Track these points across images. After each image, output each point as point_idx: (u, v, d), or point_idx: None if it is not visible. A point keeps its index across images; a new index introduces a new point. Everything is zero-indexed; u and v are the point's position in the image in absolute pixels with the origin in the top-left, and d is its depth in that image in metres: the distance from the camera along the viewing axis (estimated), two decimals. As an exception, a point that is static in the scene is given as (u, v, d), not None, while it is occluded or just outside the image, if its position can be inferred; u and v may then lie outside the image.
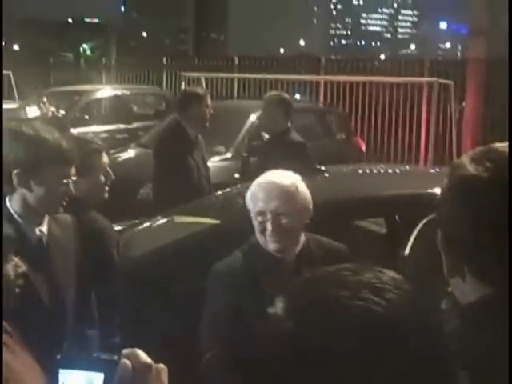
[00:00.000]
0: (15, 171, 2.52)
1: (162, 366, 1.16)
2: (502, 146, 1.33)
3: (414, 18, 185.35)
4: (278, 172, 2.85)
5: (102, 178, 3.22)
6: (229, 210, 4.36)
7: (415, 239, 3.45)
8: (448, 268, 1.34)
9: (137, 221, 4.72)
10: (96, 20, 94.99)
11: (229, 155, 8.21)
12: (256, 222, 2.75)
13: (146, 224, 4.54)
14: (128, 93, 13.67)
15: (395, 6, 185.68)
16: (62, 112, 11.82)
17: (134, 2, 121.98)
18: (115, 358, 1.11)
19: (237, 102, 12.36)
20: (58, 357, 1.13)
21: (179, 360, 2.90)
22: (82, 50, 59.78)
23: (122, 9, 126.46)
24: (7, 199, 2.60)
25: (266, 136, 5.93)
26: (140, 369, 1.11)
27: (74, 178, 2.64)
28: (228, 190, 4.94)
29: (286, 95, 6.10)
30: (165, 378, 1.16)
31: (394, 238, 4.36)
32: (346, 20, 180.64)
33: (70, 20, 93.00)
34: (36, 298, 2.48)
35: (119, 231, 4.38)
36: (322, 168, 4.71)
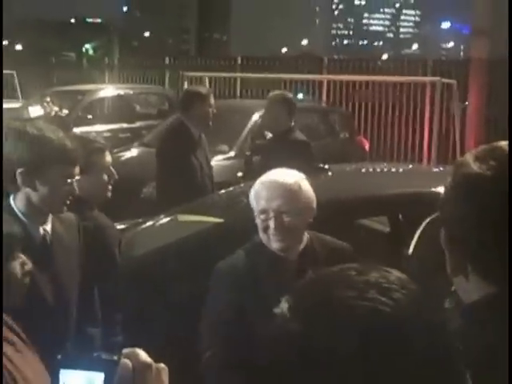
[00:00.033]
0: (19, 170, 2.52)
1: (162, 365, 1.16)
2: (507, 144, 1.33)
3: (417, 18, 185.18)
4: (281, 170, 2.85)
5: (105, 177, 3.21)
6: (232, 209, 4.36)
7: (419, 238, 3.45)
8: (451, 267, 1.34)
9: (140, 220, 4.72)
10: (98, 20, 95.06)
11: (232, 154, 8.21)
12: (259, 220, 2.75)
13: (149, 223, 4.54)
14: (131, 92, 13.68)
15: (397, 5, 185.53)
16: (65, 111, 11.84)
17: (137, 1, 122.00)
18: (115, 357, 1.11)
19: (240, 102, 12.36)
20: (59, 357, 1.13)
21: (182, 359, 2.91)
22: (84, 49, 59.90)
23: (125, 8, 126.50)
24: (11, 198, 2.61)
25: (269, 135, 5.93)
26: (140, 368, 1.11)
27: (77, 178, 2.65)
28: (231, 188, 4.94)
29: (289, 94, 6.12)
30: (165, 377, 1.16)
31: (398, 237, 4.36)
32: (348, 20, 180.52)
33: (72, 20, 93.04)
34: (40, 296, 2.49)
35: (122, 230, 4.39)
36: (326, 167, 4.71)
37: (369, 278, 0.98)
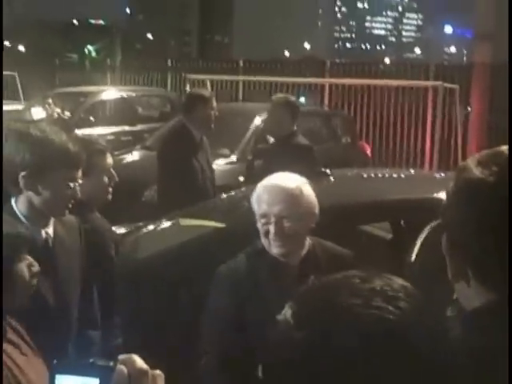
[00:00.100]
0: (22, 174, 2.52)
1: (158, 372, 1.15)
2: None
3: (419, 22, 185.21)
4: (283, 175, 2.84)
5: (106, 179, 3.20)
6: (234, 213, 4.35)
7: (421, 245, 3.44)
8: (452, 272, 1.33)
9: (141, 223, 4.72)
10: (101, 21, 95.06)
11: (234, 158, 8.21)
12: (260, 224, 2.75)
13: (151, 227, 4.54)
14: (133, 94, 13.68)
15: (400, 9, 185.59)
16: (68, 113, 11.83)
17: (139, 3, 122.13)
18: (111, 363, 1.11)
19: (242, 105, 12.36)
20: (55, 362, 1.13)
21: (182, 361, 2.91)
22: (87, 51, 59.91)
23: (128, 10, 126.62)
24: (13, 201, 2.60)
25: (272, 139, 5.93)
26: (136, 375, 1.11)
27: (80, 182, 2.64)
28: (233, 192, 4.93)
29: (292, 98, 6.11)
30: None
31: (400, 244, 4.35)
32: (351, 23, 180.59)
33: (75, 21, 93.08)
34: (41, 299, 2.48)
35: (124, 234, 4.39)
36: (328, 171, 4.70)
37: (374, 285, 0.99)
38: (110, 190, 3.24)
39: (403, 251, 3.85)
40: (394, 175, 5.40)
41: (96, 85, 16.72)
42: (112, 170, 3.25)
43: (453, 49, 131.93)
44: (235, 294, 2.75)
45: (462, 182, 1.31)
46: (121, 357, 1.12)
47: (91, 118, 12.39)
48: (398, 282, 1.01)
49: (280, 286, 2.63)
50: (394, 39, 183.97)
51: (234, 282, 2.77)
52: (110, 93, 13.59)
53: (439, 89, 10.08)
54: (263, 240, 2.76)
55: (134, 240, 4.29)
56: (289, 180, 2.79)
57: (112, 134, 11.78)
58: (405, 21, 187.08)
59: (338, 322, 0.95)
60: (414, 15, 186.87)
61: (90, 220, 3.08)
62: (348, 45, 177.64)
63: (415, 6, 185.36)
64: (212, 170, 5.78)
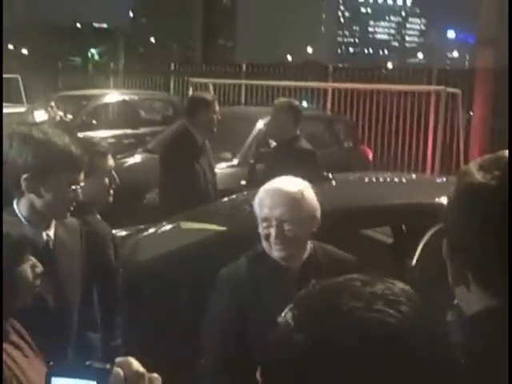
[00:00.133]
0: (24, 176, 2.51)
1: (155, 375, 1.15)
2: None
3: (422, 27, 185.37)
4: (286, 178, 2.84)
5: (107, 181, 3.19)
6: (235, 217, 4.35)
7: (422, 249, 3.44)
8: (453, 276, 1.33)
9: (143, 226, 4.72)
10: (105, 25, 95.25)
11: (235, 162, 8.21)
12: (261, 227, 2.75)
13: (152, 230, 4.54)
14: (136, 98, 13.69)
15: (403, 14, 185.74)
16: (70, 116, 11.86)
17: (143, 7, 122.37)
18: (108, 366, 1.11)
19: (244, 109, 12.37)
20: (51, 363, 1.13)
21: (182, 362, 2.91)
22: (90, 54, 59.99)
23: (131, 14, 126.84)
24: (15, 203, 2.60)
25: (273, 143, 5.92)
26: (133, 378, 1.10)
27: (82, 184, 2.64)
28: (234, 196, 4.93)
29: (295, 102, 6.11)
30: None
31: (401, 248, 4.34)
32: (354, 28, 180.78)
33: (78, 25, 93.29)
34: (42, 301, 2.48)
35: (124, 236, 4.39)
36: (330, 175, 4.70)
37: (375, 289, 0.99)
38: (111, 192, 3.24)
39: (404, 255, 3.85)
40: (396, 180, 5.40)
41: (99, 88, 16.76)
42: (113, 172, 3.25)
43: (455, 54, 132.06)
44: (236, 297, 2.75)
45: (463, 186, 1.31)
46: (117, 359, 1.12)
47: (93, 121, 12.41)
48: (399, 285, 1.01)
49: (281, 289, 2.63)
50: (396, 44, 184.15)
51: (235, 285, 2.78)
52: (113, 96, 13.61)
53: (442, 93, 10.07)
54: (264, 243, 2.76)
55: (135, 243, 4.29)
56: (291, 184, 2.78)
57: (114, 136, 11.81)
58: (408, 26, 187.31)
59: (339, 324, 0.95)
60: (416, 20, 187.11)
61: (90, 222, 3.08)
62: (351, 49, 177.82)
63: (418, 11, 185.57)
64: (214, 174, 5.78)
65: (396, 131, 12.71)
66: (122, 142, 11.57)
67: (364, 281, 1.01)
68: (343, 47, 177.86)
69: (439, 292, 1.51)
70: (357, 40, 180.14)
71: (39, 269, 2.15)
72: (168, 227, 4.52)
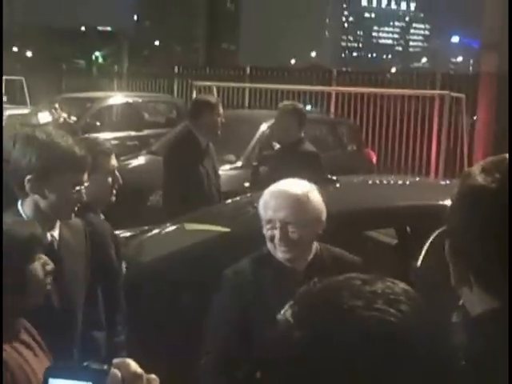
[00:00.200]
0: (28, 177, 2.52)
1: (153, 376, 1.14)
2: None
3: (426, 32, 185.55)
4: (291, 181, 2.83)
5: (110, 180, 3.19)
6: (238, 219, 4.36)
7: (427, 251, 3.44)
8: (455, 279, 1.33)
9: (146, 227, 4.72)
10: (109, 28, 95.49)
11: (239, 164, 8.22)
12: (265, 229, 2.74)
13: (156, 231, 4.54)
14: (139, 100, 13.71)
15: (407, 19, 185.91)
16: (74, 118, 11.86)
17: (147, 10, 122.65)
18: (105, 367, 1.10)
19: (248, 112, 12.39)
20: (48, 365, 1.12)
21: (183, 362, 2.91)
22: (94, 57, 60.14)
23: (135, 17, 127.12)
24: (19, 203, 2.60)
25: (277, 146, 5.93)
26: (130, 379, 1.09)
27: (86, 185, 2.64)
28: (238, 198, 4.94)
29: (300, 105, 6.12)
30: None
31: (405, 250, 4.35)
32: (358, 32, 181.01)
33: (83, 28, 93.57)
34: (47, 301, 2.48)
35: (128, 237, 4.39)
36: (334, 178, 4.70)
37: (375, 288, 0.99)
38: (114, 191, 3.23)
39: (408, 257, 3.85)
40: (400, 182, 5.40)
41: (103, 91, 16.77)
42: (116, 172, 3.25)
43: (459, 58, 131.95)
44: (240, 298, 2.75)
45: (465, 188, 1.31)
46: (115, 361, 1.12)
47: (97, 123, 12.43)
48: (400, 285, 1.02)
49: (285, 290, 2.61)
50: (400, 49, 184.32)
51: (239, 286, 2.78)
52: (117, 98, 13.63)
53: (446, 98, 10.08)
54: (269, 245, 2.76)
55: (139, 243, 4.30)
56: (296, 186, 2.78)
57: (118, 138, 11.81)
58: (412, 31, 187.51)
59: (339, 322, 0.95)
60: (420, 25, 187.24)
61: (93, 222, 3.08)
62: (355, 54, 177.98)
63: (422, 16, 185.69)
64: (218, 176, 5.78)
65: (400, 135, 12.70)
66: (126, 144, 11.58)
67: (364, 280, 1.01)
68: (347, 51, 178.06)
69: (444, 293, 1.51)
70: (361, 44, 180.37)
71: (50, 266, 2.15)
72: (172, 228, 4.53)
